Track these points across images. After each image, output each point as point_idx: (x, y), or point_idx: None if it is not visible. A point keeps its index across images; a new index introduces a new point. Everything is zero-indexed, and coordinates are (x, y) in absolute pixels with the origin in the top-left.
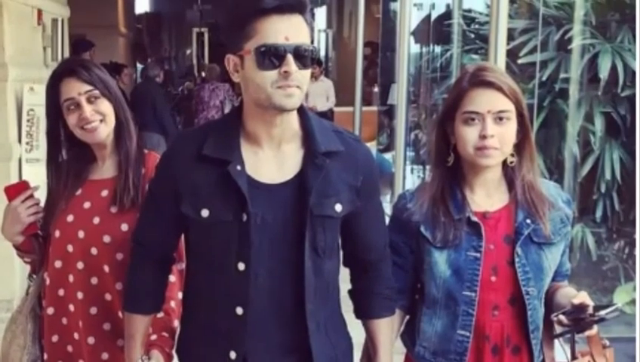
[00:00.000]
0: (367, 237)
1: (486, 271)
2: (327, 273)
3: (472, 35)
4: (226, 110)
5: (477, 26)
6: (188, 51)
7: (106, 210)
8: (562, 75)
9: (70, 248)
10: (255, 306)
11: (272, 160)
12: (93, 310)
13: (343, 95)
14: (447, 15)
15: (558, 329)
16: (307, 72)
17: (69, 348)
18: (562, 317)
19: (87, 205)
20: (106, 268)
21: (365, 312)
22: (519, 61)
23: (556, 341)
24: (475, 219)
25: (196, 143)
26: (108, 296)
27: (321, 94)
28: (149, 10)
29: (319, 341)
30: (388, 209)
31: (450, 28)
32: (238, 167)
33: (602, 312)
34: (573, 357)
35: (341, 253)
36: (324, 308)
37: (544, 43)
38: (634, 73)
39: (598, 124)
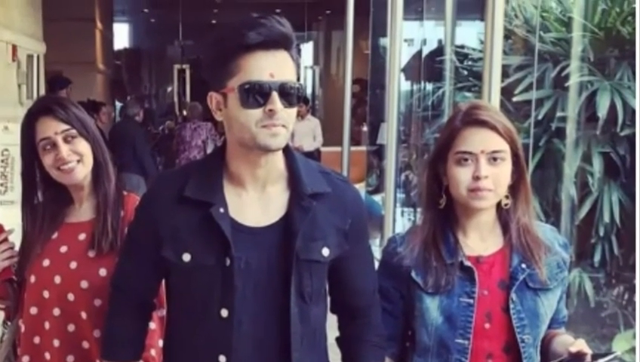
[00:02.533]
0: (355, 283)
1: (479, 317)
2: (313, 320)
3: (465, 72)
4: (209, 150)
5: (470, 63)
6: (169, 89)
7: (84, 254)
8: (559, 114)
9: (46, 294)
10: (239, 354)
11: (256, 202)
12: (70, 358)
13: (331, 134)
14: (439, 51)
15: None
16: (293, 111)
17: None
18: None
19: (63, 249)
20: (84, 315)
21: (354, 361)
22: (514, 99)
23: None
24: (468, 263)
25: (177, 185)
26: (85, 344)
27: (308, 134)
28: (128, 46)
29: None
30: (377, 253)
31: (442, 64)
32: (221, 210)
33: (601, 361)
34: None
35: (328, 298)
36: (310, 356)
37: (540, 80)
38: (634, 112)
39: (597, 165)
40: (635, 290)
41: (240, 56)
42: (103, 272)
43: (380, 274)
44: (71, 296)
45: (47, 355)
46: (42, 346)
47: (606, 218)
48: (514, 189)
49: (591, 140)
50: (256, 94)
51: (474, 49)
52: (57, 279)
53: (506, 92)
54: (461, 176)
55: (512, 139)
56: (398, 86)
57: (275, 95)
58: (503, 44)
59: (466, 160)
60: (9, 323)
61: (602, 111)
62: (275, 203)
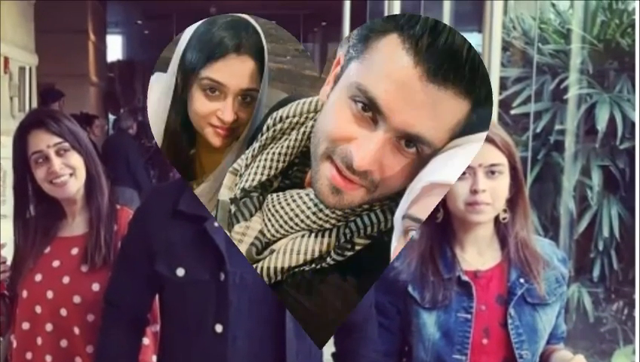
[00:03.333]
0: None
1: (477, 333)
2: None
3: None
4: None
5: None
6: None
7: (77, 269)
8: (558, 127)
9: (38, 309)
10: None
11: None
12: None
13: None
14: None
15: None
16: None
17: None
18: None
19: (56, 264)
20: (77, 330)
21: None
22: (512, 112)
23: None
24: (465, 278)
25: (171, 198)
26: (78, 360)
27: None
28: (121, 58)
29: None
30: None
31: None
32: (216, 224)
33: None
34: None
35: None
36: None
37: (538, 93)
38: (633, 124)
39: (596, 179)
40: (635, 305)
41: None
42: (96, 287)
43: (377, 289)
44: (63, 311)
45: None
46: None
47: (605, 232)
48: (512, 203)
49: (590, 153)
50: None
51: None
52: (50, 294)
53: (504, 104)
54: (458, 189)
55: (510, 152)
56: None
57: None
58: (500, 56)
59: (463, 173)
60: (1, 339)
61: (601, 124)
62: None
